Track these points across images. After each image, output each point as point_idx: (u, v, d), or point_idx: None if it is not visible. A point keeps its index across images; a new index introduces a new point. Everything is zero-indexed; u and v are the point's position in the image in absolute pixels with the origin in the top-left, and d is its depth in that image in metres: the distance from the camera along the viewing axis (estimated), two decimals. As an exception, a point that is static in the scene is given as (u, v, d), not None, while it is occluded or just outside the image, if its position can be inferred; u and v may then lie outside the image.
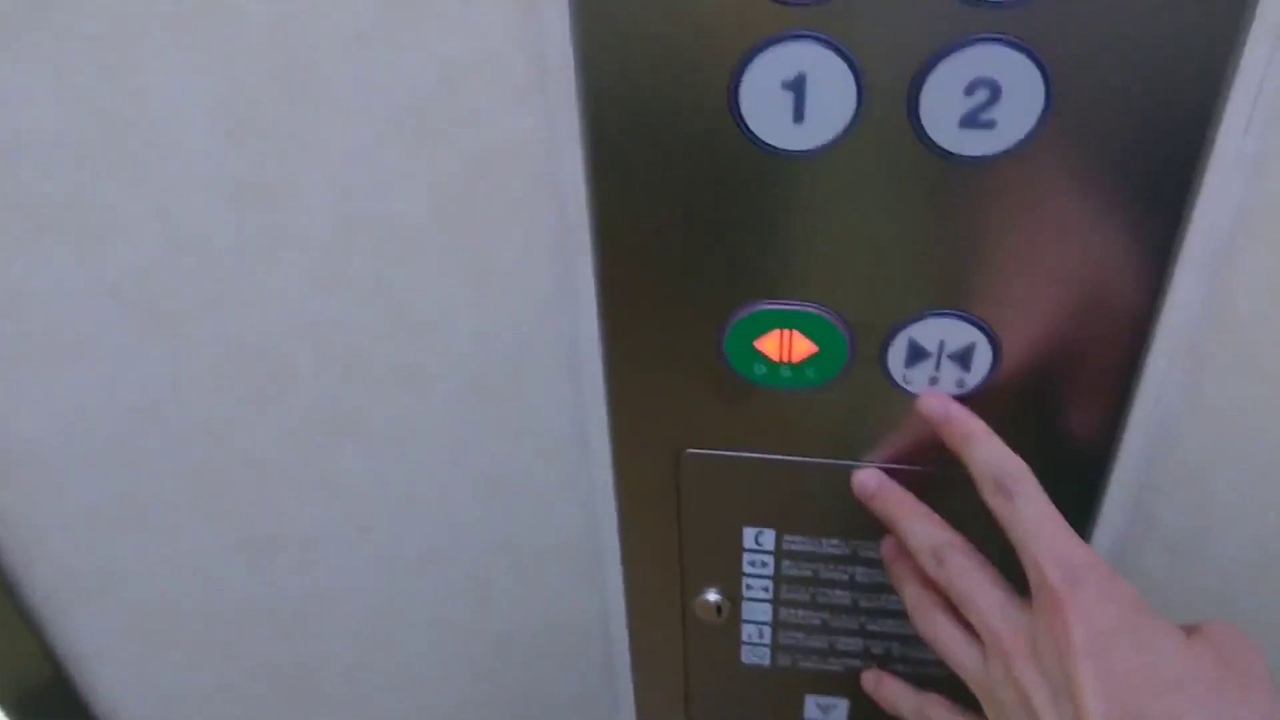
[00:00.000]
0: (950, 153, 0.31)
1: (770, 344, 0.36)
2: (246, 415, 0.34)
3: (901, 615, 0.44)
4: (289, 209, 0.31)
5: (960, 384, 0.36)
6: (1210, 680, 0.30)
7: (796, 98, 0.30)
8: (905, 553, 0.38)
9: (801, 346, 0.36)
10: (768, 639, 0.47)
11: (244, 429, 0.34)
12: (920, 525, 0.37)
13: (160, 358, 0.32)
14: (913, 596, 0.38)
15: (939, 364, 0.35)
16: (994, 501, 0.34)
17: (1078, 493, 0.38)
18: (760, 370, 0.37)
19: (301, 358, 0.34)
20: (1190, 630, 0.32)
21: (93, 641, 0.37)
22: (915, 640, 0.45)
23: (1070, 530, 0.33)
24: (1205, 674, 0.30)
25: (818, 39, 0.29)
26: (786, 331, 0.36)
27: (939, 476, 0.39)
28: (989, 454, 0.34)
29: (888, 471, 0.39)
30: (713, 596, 0.45)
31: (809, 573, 0.44)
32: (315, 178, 0.31)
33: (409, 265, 0.35)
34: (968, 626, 0.35)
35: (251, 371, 0.33)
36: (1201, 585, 0.38)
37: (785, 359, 0.37)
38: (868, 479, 0.38)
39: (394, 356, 0.36)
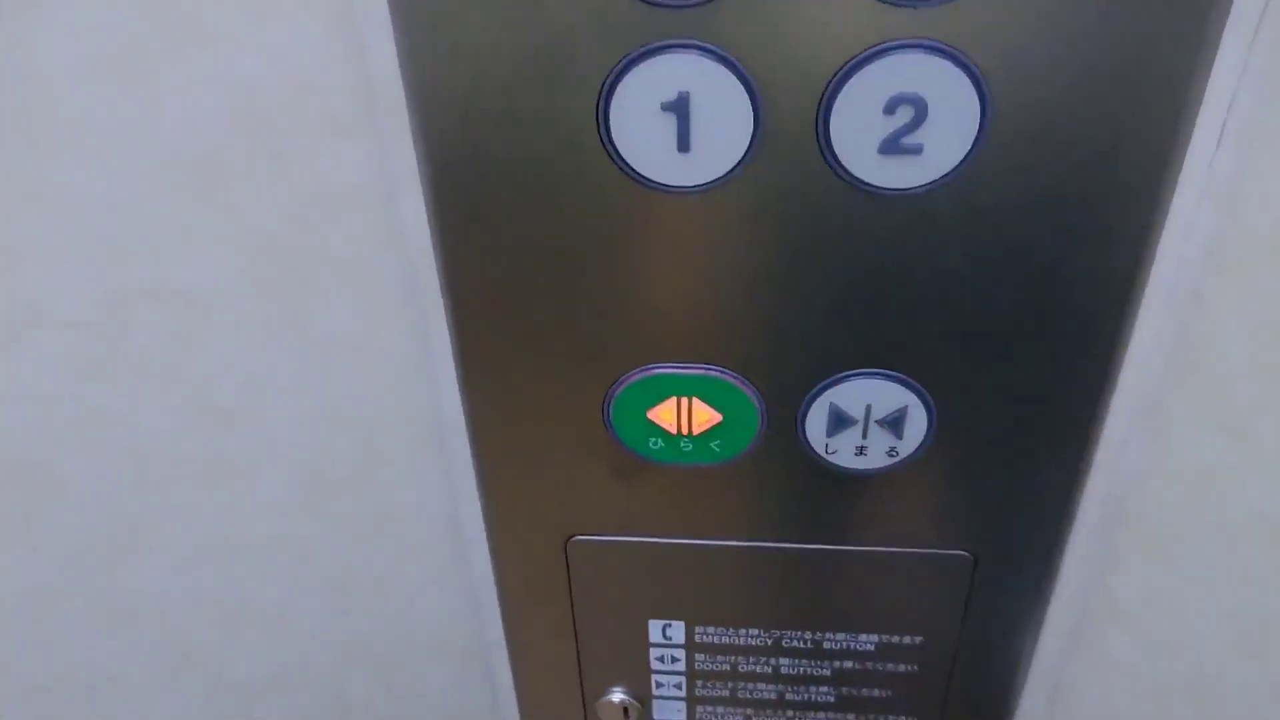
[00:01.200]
0: (869, 185, 0.25)
1: (666, 414, 0.30)
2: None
3: (831, 708, 0.38)
4: (33, 282, 0.24)
5: (892, 453, 0.30)
6: None
7: (680, 122, 0.24)
8: None
9: (703, 416, 0.30)
10: (684, 739, 0.40)
11: None
12: None
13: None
14: None
15: (866, 431, 0.30)
16: None
17: (1030, 572, 0.33)
18: (655, 444, 0.31)
19: (69, 465, 0.27)
20: None
21: None
22: (850, 733, 0.39)
23: None
24: None
25: (702, 49, 0.23)
26: (684, 399, 0.30)
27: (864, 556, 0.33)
28: None
29: (807, 552, 0.33)
30: (618, 697, 0.39)
31: (726, 666, 0.38)
32: (68, 241, 0.24)
33: (209, 341, 0.28)
34: None
35: (3, 488, 0.26)
36: (1173, 671, 0.33)
37: (685, 431, 0.31)
38: None
39: (199, 452, 0.29)
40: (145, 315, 0.26)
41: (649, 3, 0.23)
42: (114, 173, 0.24)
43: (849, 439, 0.30)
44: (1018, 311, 0.27)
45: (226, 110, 0.25)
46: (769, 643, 0.37)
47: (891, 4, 0.22)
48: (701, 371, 0.29)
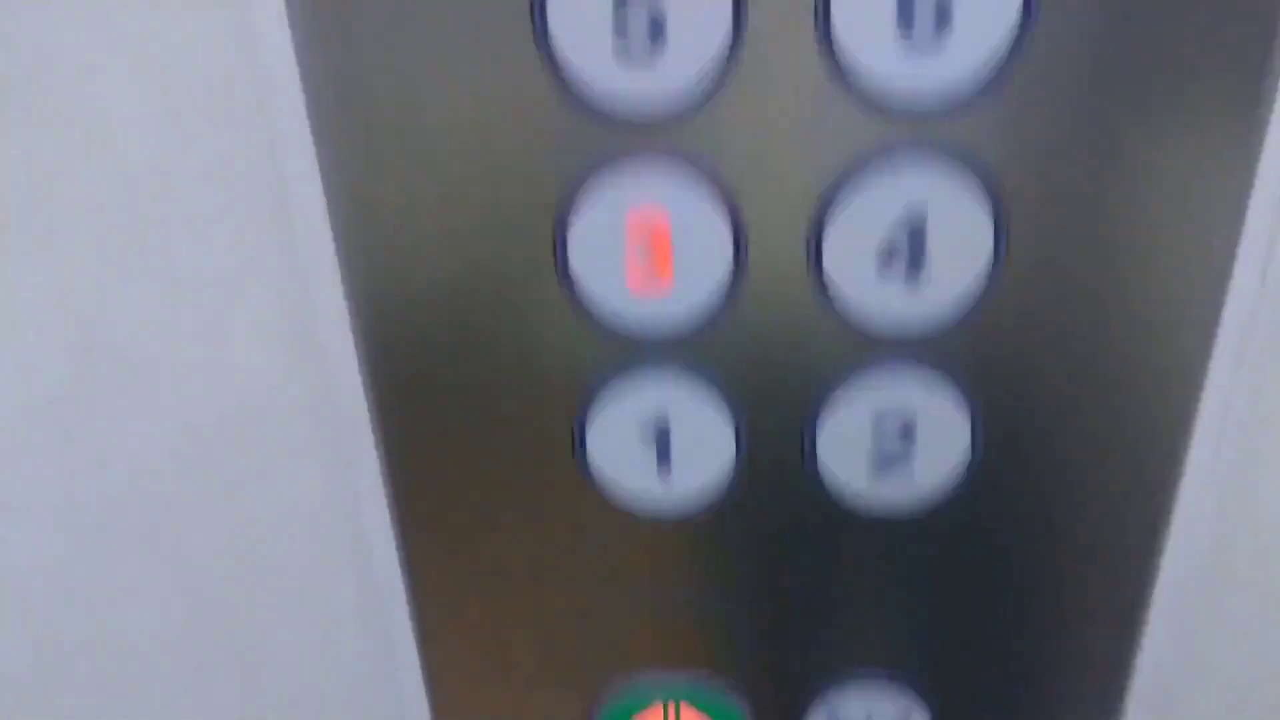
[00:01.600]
0: (861, 506, 0.24)
1: (654, 725, 0.28)
2: None
3: None
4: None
5: (898, 765, 0.28)
6: None
7: (660, 448, 0.23)
8: None
9: (694, 728, 0.28)
10: None
11: None
12: None
13: None
14: None
15: (868, 744, 0.28)
16: None
17: None
18: (644, 761, 0.28)
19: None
20: None
21: None
22: None
23: None
24: None
25: (680, 376, 0.23)
26: (672, 704, 0.28)
27: None
28: None
29: None
30: None
31: None
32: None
33: (148, 698, 0.25)
34: None
35: None
36: None
37: (675, 753, 0.28)
38: None
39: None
40: (80, 670, 0.24)
41: (619, 337, 0.22)
42: (39, 526, 0.22)
43: (851, 750, 0.28)
44: (1028, 620, 0.26)
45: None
46: None
47: (873, 334, 0.22)
48: (690, 683, 0.27)
